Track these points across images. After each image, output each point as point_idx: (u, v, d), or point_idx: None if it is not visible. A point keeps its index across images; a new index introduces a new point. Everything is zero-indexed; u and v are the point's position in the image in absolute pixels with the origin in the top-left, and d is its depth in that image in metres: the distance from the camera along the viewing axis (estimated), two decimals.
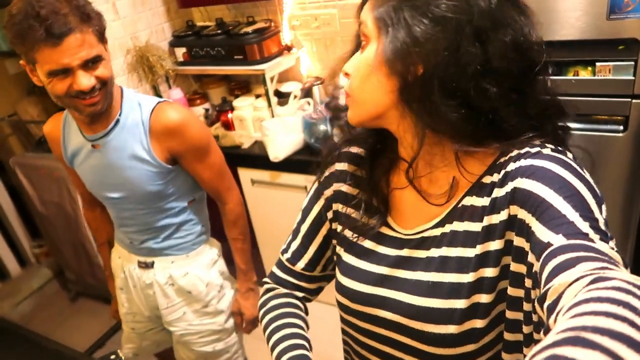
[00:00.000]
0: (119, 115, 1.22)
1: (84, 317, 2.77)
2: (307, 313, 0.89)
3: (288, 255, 0.87)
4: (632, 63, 1.38)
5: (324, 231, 0.84)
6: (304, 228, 0.86)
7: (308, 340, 0.80)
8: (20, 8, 1.02)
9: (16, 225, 3.03)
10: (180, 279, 1.40)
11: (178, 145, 1.24)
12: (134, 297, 1.48)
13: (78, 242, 2.56)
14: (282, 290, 0.88)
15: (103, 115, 1.20)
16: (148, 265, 1.40)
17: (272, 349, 0.78)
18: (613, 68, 1.40)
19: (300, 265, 0.86)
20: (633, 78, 1.37)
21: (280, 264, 0.89)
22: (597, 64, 1.42)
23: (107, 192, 1.30)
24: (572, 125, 1.63)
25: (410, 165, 0.68)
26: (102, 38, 1.12)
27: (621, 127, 1.44)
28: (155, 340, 1.59)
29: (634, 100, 1.39)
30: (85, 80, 1.08)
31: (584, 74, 1.46)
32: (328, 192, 0.82)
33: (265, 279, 0.91)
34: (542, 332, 0.41)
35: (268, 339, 0.80)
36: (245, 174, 2.23)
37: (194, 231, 1.41)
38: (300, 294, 0.89)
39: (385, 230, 0.75)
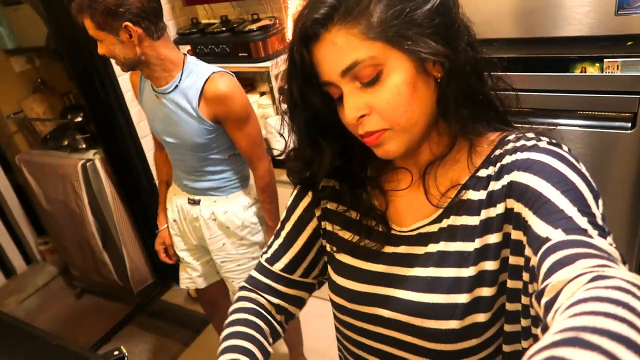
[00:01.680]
0: (179, 79, 1.49)
1: (88, 314, 2.79)
2: (277, 331, 0.83)
3: (268, 255, 0.84)
4: None
5: (310, 229, 0.81)
6: (289, 226, 0.82)
7: None
8: None
9: (22, 222, 3.05)
10: (220, 216, 1.68)
11: (222, 112, 1.49)
12: (184, 227, 1.77)
13: (83, 239, 2.57)
14: (250, 304, 0.82)
15: (161, 77, 1.50)
16: (195, 202, 1.70)
17: None
18: (621, 64, 1.38)
19: (279, 265, 0.82)
20: None
21: (259, 266, 0.85)
22: (605, 60, 1.41)
23: (164, 136, 1.59)
24: (580, 122, 1.61)
25: (431, 165, 0.68)
26: (99, 26, 1.39)
27: (629, 124, 1.42)
28: (204, 271, 1.86)
29: None
30: (98, 48, 1.43)
31: (592, 71, 1.45)
32: (315, 188, 0.79)
33: (243, 283, 0.87)
34: (539, 330, 0.40)
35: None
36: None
37: (233, 178, 1.68)
38: (275, 300, 0.83)
39: (381, 228, 0.74)
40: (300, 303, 0.87)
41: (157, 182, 1.90)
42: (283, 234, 0.83)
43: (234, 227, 1.69)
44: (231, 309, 0.83)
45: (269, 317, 0.82)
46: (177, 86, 1.49)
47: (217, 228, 1.70)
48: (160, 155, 1.83)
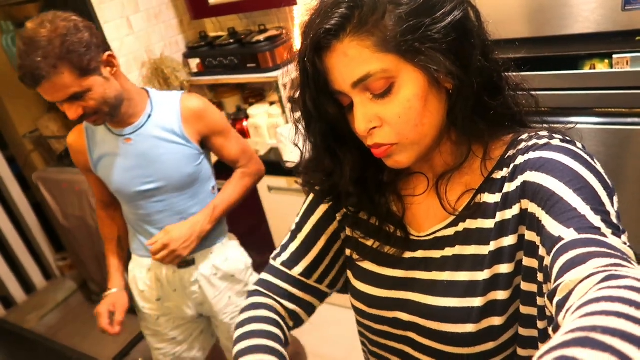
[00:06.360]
0: (151, 110, 1.36)
1: None
2: (287, 344, 0.78)
3: (283, 258, 0.81)
4: None
5: (329, 233, 0.80)
6: (307, 229, 0.81)
7: None
8: (18, 49, 1.12)
9: (40, 239, 3.09)
10: (222, 265, 1.53)
11: (205, 126, 1.40)
12: (177, 301, 1.55)
13: (100, 254, 2.59)
14: (265, 312, 0.78)
15: (130, 114, 1.32)
16: (189, 263, 1.49)
17: None
18: (631, 60, 1.37)
19: (298, 270, 0.80)
20: None
21: (272, 269, 0.82)
22: (614, 56, 1.39)
23: (141, 186, 1.37)
24: (591, 119, 1.59)
25: (443, 176, 0.68)
26: (84, 72, 1.15)
27: None
28: (200, 345, 1.68)
29: None
30: (70, 113, 1.18)
31: (601, 67, 1.43)
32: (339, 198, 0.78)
33: (254, 286, 0.83)
34: (551, 329, 0.40)
35: None
36: (262, 181, 2.24)
37: (221, 220, 1.54)
38: (291, 306, 0.80)
39: (399, 234, 0.74)
40: (311, 310, 0.85)
41: (104, 242, 1.62)
42: (300, 236, 0.81)
43: (239, 273, 1.57)
44: (245, 316, 0.77)
45: (283, 326, 0.79)
46: (149, 116, 1.35)
47: (222, 282, 1.54)
48: (107, 212, 1.59)
